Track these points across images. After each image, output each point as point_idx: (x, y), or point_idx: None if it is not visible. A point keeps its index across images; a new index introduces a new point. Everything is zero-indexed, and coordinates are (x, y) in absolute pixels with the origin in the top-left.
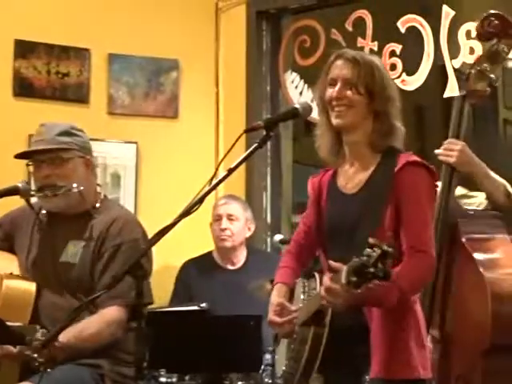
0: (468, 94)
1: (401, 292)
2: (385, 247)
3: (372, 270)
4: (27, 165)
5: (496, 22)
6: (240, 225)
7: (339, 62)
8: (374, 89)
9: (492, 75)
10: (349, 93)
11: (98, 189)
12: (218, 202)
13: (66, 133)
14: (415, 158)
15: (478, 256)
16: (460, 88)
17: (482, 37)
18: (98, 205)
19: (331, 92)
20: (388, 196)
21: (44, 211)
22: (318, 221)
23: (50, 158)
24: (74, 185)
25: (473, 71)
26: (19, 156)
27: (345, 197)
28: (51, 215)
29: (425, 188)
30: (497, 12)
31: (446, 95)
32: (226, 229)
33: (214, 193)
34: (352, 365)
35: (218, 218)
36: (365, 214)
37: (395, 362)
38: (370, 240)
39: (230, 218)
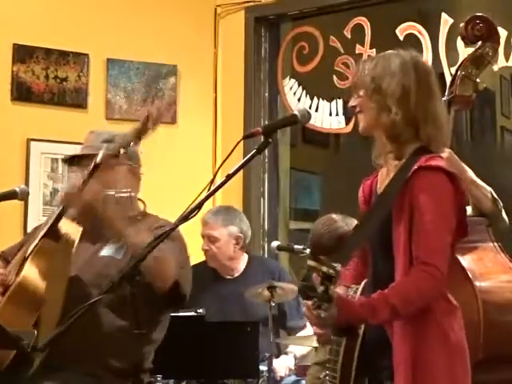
0: (453, 99)
1: (391, 307)
2: (324, 269)
3: (312, 294)
4: (71, 171)
5: (481, 24)
6: (221, 244)
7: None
8: (370, 87)
9: (477, 80)
10: (356, 98)
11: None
12: (202, 220)
13: (112, 140)
14: (433, 161)
15: (467, 265)
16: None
17: (466, 40)
18: (142, 211)
19: None
20: (395, 204)
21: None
22: None
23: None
24: (129, 189)
25: (457, 76)
26: (65, 160)
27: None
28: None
29: (436, 194)
30: (481, 15)
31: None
32: (207, 250)
33: (211, 199)
34: (375, 378)
35: (202, 237)
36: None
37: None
38: (309, 262)
39: (209, 239)
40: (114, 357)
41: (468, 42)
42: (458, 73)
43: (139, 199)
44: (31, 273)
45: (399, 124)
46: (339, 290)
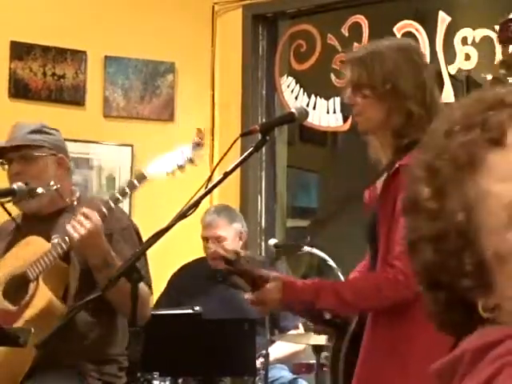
0: None
1: (340, 296)
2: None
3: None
4: (0, 163)
5: None
6: (229, 243)
7: (347, 64)
8: (377, 86)
9: (510, 81)
10: (358, 99)
11: (74, 189)
12: (204, 223)
13: (38, 131)
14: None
15: None
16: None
17: (501, 42)
18: (75, 203)
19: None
20: (380, 204)
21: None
22: None
23: (20, 155)
24: (51, 182)
25: (488, 77)
26: None
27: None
28: (27, 217)
29: None
30: None
31: (441, 101)
32: (215, 251)
33: (209, 196)
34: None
35: (205, 239)
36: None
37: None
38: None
39: (217, 240)
40: (89, 349)
41: (503, 44)
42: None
43: (73, 184)
44: (50, 295)
45: (413, 122)
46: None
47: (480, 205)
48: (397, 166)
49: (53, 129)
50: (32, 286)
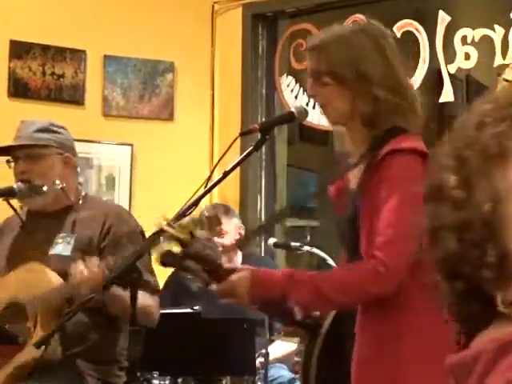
0: None
1: (317, 290)
2: (180, 236)
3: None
4: (7, 161)
5: None
6: (230, 237)
7: (307, 52)
8: (338, 72)
9: None
10: (319, 88)
11: (80, 188)
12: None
13: (45, 129)
14: (403, 142)
15: None
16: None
17: None
18: (80, 202)
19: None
20: (362, 195)
21: (24, 210)
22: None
23: (26, 154)
24: (57, 181)
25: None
26: None
27: (350, 194)
28: (32, 214)
29: (400, 180)
30: None
31: (441, 100)
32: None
33: (208, 196)
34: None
35: None
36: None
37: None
38: (165, 228)
39: (220, 233)
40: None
41: None
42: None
43: (79, 183)
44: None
45: (382, 108)
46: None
47: (508, 197)
48: (379, 156)
49: (61, 127)
50: (29, 324)
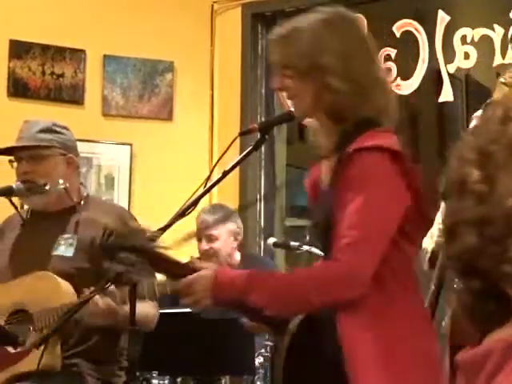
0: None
1: (271, 293)
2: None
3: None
4: (10, 161)
5: None
6: (221, 242)
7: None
8: (298, 64)
9: None
10: (283, 81)
11: (82, 188)
12: (198, 220)
13: (48, 130)
14: (370, 140)
15: None
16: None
17: None
18: (82, 202)
19: None
20: (334, 191)
21: (26, 209)
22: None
23: (29, 155)
24: (61, 181)
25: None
26: (1, 153)
27: (321, 192)
28: (34, 213)
29: (365, 180)
30: None
31: (440, 100)
32: (207, 250)
33: (208, 195)
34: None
35: (199, 238)
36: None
37: None
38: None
39: (209, 238)
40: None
41: None
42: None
43: (81, 183)
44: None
45: (345, 100)
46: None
47: None
48: (351, 150)
49: (64, 127)
50: (34, 335)
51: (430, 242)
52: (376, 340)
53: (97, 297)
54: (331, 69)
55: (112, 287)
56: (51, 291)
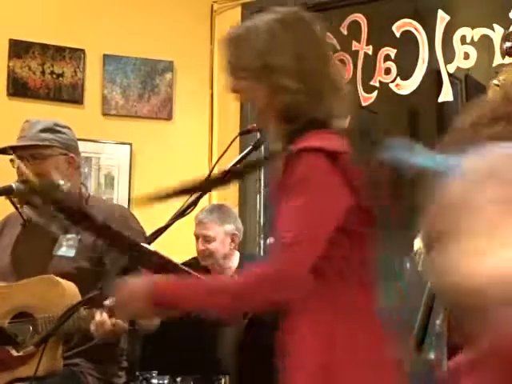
0: None
1: (198, 299)
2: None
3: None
4: (10, 160)
5: None
6: (217, 243)
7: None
8: (250, 65)
9: None
10: (236, 84)
11: (83, 188)
12: (196, 221)
13: (49, 129)
14: (311, 142)
15: None
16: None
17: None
18: (83, 203)
19: None
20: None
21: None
22: None
23: (30, 154)
24: (62, 181)
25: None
26: (1, 152)
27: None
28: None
29: (301, 183)
30: None
31: (440, 100)
32: (203, 250)
33: (207, 195)
34: None
35: (196, 237)
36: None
37: None
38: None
39: (205, 239)
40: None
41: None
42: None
43: (82, 183)
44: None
45: (298, 100)
46: None
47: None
48: (290, 151)
49: (65, 126)
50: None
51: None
52: (313, 339)
53: (104, 316)
54: (284, 69)
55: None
56: (57, 297)
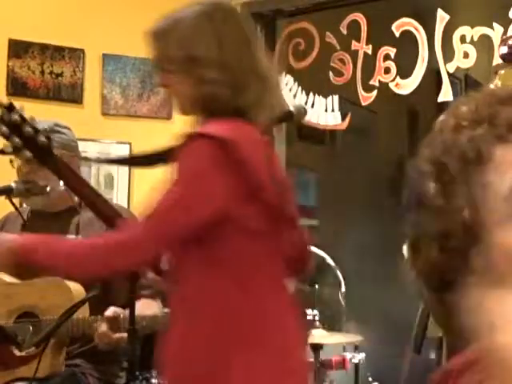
0: None
1: (65, 257)
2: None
3: None
4: (10, 161)
5: None
6: None
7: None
8: (174, 57)
9: None
10: (163, 77)
11: None
12: None
13: (49, 130)
14: (205, 129)
15: None
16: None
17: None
18: (83, 203)
19: None
20: None
21: (26, 208)
22: None
23: (29, 154)
24: (61, 183)
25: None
26: (1, 152)
27: None
28: (35, 213)
29: (182, 166)
30: None
31: (440, 99)
32: None
33: None
34: None
35: None
36: None
37: None
38: None
39: None
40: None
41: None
42: None
43: None
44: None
45: (220, 91)
46: None
47: (486, 201)
48: (186, 136)
49: (65, 127)
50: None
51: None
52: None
53: (107, 329)
54: (206, 60)
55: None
56: (64, 300)
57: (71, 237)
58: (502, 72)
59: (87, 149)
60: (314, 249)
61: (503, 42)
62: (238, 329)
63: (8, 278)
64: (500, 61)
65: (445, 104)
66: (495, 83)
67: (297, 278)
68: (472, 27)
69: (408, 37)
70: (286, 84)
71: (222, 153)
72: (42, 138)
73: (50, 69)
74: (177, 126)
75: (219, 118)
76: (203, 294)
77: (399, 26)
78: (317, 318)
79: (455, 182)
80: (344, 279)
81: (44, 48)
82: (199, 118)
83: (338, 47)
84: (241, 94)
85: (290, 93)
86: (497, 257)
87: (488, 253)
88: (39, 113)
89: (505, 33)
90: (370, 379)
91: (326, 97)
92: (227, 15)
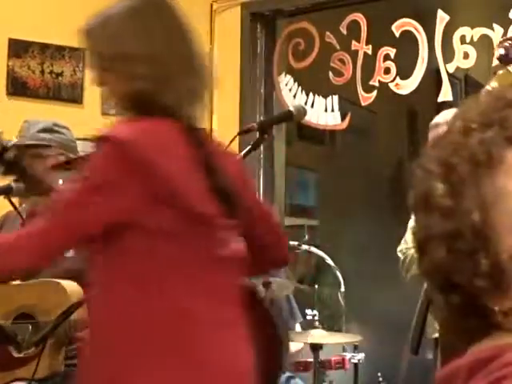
0: None
1: None
2: None
3: None
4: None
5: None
6: None
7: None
8: (105, 55)
9: None
10: (97, 74)
11: None
12: None
13: (48, 129)
14: (112, 130)
15: None
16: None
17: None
18: None
19: None
20: None
21: (25, 208)
22: None
23: (28, 154)
24: (60, 181)
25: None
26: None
27: None
28: (33, 213)
29: (85, 168)
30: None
31: (439, 99)
32: None
33: None
34: None
35: None
36: None
37: None
38: None
39: None
40: None
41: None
42: None
43: None
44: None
45: (148, 87)
46: None
47: (496, 204)
48: (93, 139)
49: (64, 127)
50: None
51: (404, 249)
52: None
53: None
54: (136, 56)
55: None
56: (62, 303)
57: None
58: (499, 73)
59: (87, 149)
60: (313, 249)
61: (500, 43)
62: (139, 336)
63: None
64: None
65: (445, 104)
66: (491, 84)
67: (275, 269)
68: (472, 28)
69: (408, 37)
70: (286, 84)
71: (122, 155)
72: (10, 155)
73: (50, 68)
74: None
75: (145, 117)
76: (106, 299)
77: (399, 26)
78: (316, 317)
79: (464, 184)
80: (344, 279)
81: (44, 48)
82: (131, 117)
83: (338, 47)
84: (168, 90)
85: (290, 93)
86: (506, 260)
87: (497, 256)
88: (39, 112)
89: (505, 33)
90: (381, 379)
91: (325, 97)
92: (158, 9)
